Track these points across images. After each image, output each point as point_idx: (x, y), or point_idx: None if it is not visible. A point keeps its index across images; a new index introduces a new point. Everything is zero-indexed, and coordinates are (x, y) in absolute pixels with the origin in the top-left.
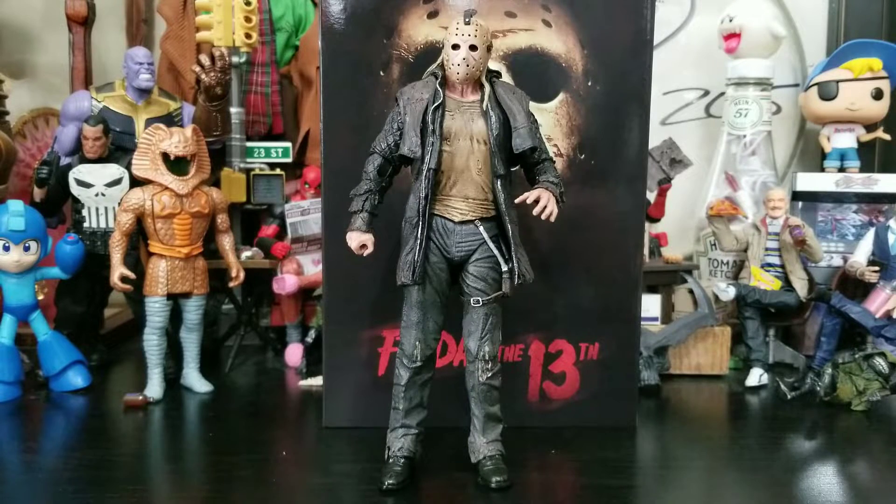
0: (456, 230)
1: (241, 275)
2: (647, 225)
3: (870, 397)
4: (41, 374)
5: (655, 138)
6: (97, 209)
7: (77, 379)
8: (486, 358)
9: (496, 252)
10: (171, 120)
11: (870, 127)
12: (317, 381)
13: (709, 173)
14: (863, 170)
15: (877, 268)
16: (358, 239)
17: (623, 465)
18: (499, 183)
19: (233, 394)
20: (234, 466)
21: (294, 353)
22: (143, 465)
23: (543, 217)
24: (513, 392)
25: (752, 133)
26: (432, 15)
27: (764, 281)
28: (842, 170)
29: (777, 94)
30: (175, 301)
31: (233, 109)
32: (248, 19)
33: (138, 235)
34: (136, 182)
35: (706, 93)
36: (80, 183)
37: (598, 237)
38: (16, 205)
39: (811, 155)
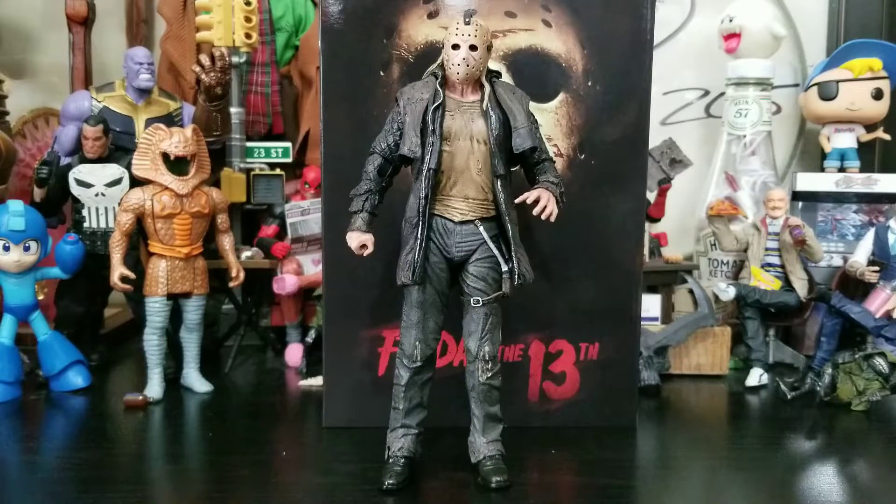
0: (456, 230)
1: (241, 275)
2: (647, 225)
3: (870, 397)
4: (41, 374)
5: (655, 138)
6: (97, 209)
7: (77, 379)
8: (486, 358)
9: (496, 252)
10: (171, 120)
11: (870, 127)
12: (317, 381)
13: (709, 173)
14: (863, 170)
15: (877, 268)
16: (358, 239)
17: (623, 465)
18: (499, 183)
19: (233, 394)
20: (234, 466)
21: (294, 353)
22: (143, 465)
23: (543, 217)
24: (513, 392)
25: (752, 133)
26: (432, 15)
27: (764, 281)
28: (842, 170)
29: (777, 94)
30: (175, 301)
31: (233, 109)
32: (248, 19)
33: (138, 235)
34: (136, 182)
35: (706, 93)
36: (80, 183)
37: (598, 237)
38: (16, 205)
39: (811, 155)
